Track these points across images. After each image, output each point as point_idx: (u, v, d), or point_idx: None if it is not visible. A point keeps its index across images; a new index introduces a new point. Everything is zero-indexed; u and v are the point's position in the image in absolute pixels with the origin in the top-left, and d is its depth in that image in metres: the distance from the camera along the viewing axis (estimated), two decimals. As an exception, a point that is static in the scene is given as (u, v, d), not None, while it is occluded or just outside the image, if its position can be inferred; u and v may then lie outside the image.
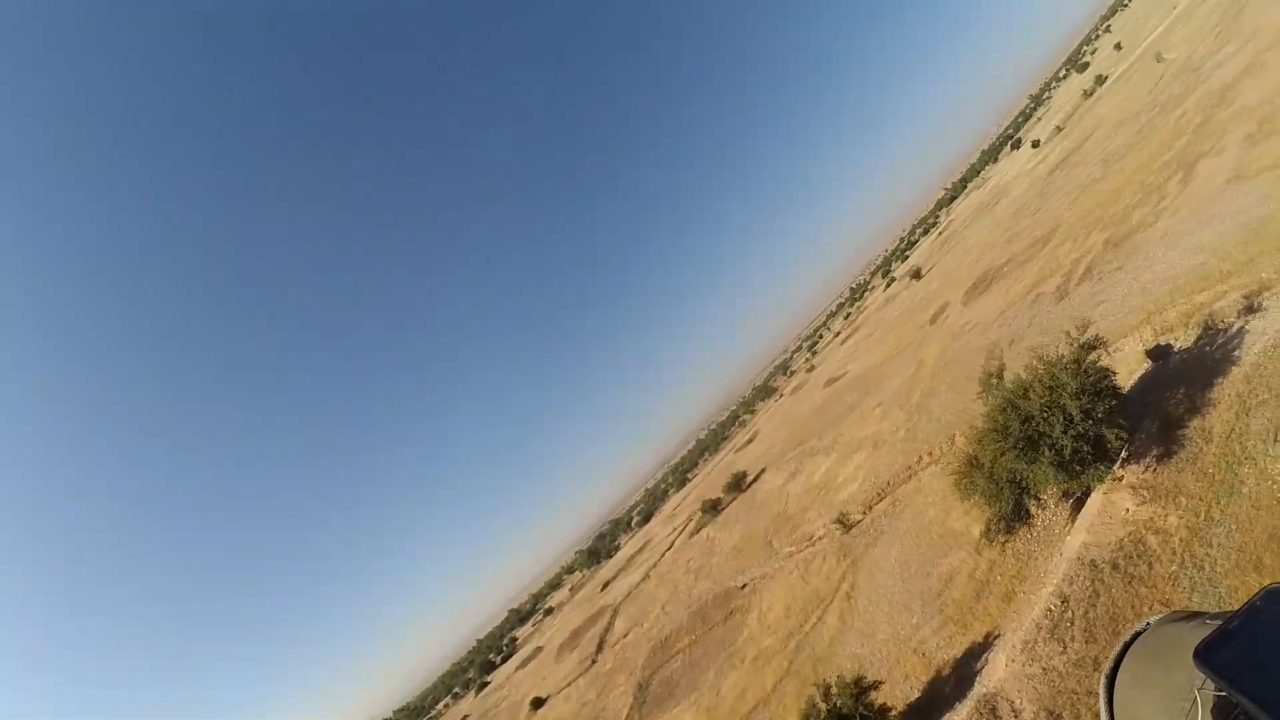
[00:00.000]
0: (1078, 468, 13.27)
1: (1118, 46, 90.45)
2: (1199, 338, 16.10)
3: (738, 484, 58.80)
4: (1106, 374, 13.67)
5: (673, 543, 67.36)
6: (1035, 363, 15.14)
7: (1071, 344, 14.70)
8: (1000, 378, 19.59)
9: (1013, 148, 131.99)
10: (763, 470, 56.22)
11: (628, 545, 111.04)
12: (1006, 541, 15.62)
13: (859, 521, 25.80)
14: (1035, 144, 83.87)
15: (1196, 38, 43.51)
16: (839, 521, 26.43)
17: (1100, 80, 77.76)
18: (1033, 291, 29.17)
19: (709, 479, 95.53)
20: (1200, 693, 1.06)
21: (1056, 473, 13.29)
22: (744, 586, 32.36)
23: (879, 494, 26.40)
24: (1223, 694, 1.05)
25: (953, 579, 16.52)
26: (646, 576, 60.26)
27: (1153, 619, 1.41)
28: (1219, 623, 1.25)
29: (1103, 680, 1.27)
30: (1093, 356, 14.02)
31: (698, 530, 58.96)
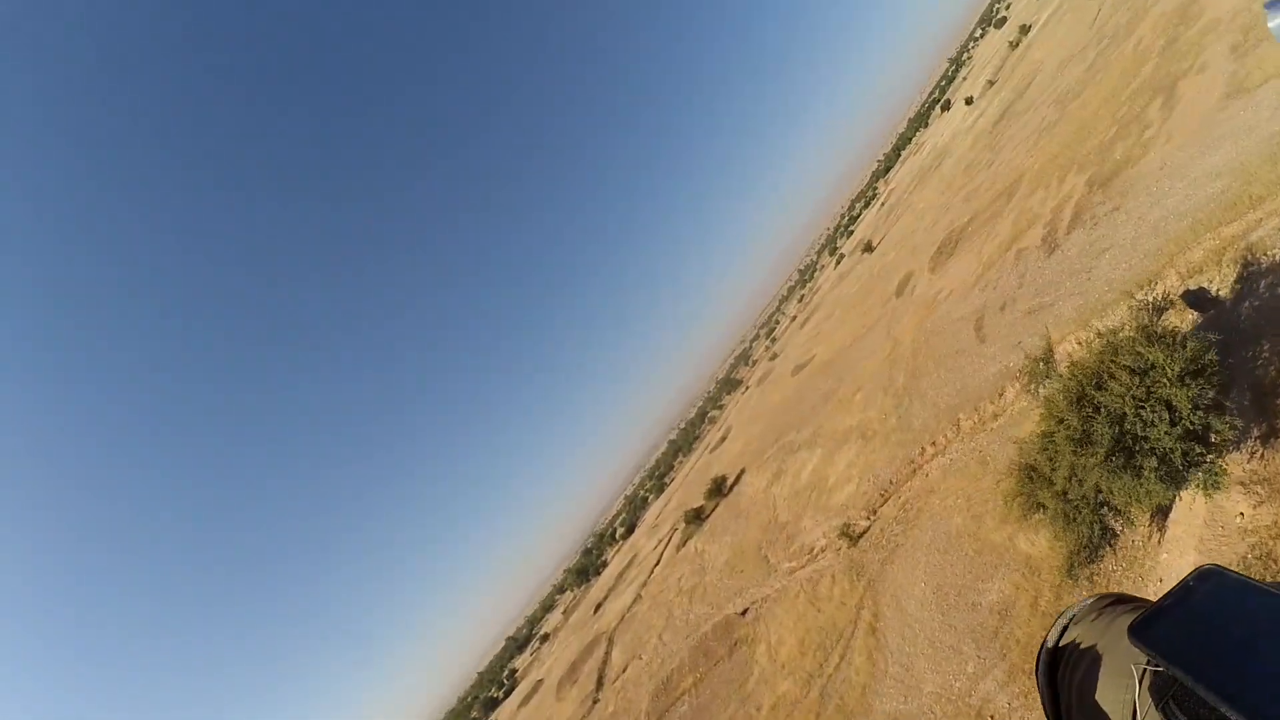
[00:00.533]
0: (1185, 474, 9.71)
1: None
2: (1241, 276, 13.39)
3: (719, 489, 55.93)
4: (1207, 345, 9.82)
5: (660, 557, 64.27)
6: (1096, 338, 11.35)
7: (1136, 308, 11.24)
8: (1049, 361, 15.47)
9: (943, 109, 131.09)
10: (742, 471, 53.37)
11: (614, 560, 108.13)
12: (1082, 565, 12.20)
13: (865, 530, 22.81)
14: (968, 101, 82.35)
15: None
16: (843, 533, 23.34)
17: (1025, 29, 76.53)
18: (1012, 248, 26.49)
19: (687, 483, 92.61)
20: (1136, 668, 1.16)
21: (1164, 486, 9.64)
22: (745, 612, 29.29)
23: (882, 495, 23.51)
24: (1159, 668, 1.14)
25: (1009, 612, 13.37)
26: (638, 597, 57.05)
27: (1087, 599, 1.27)
28: (1152, 603, 1.16)
29: (1042, 658, 1.25)
30: (1169, 322, 10.61)
31: (684, 543, 56.02)
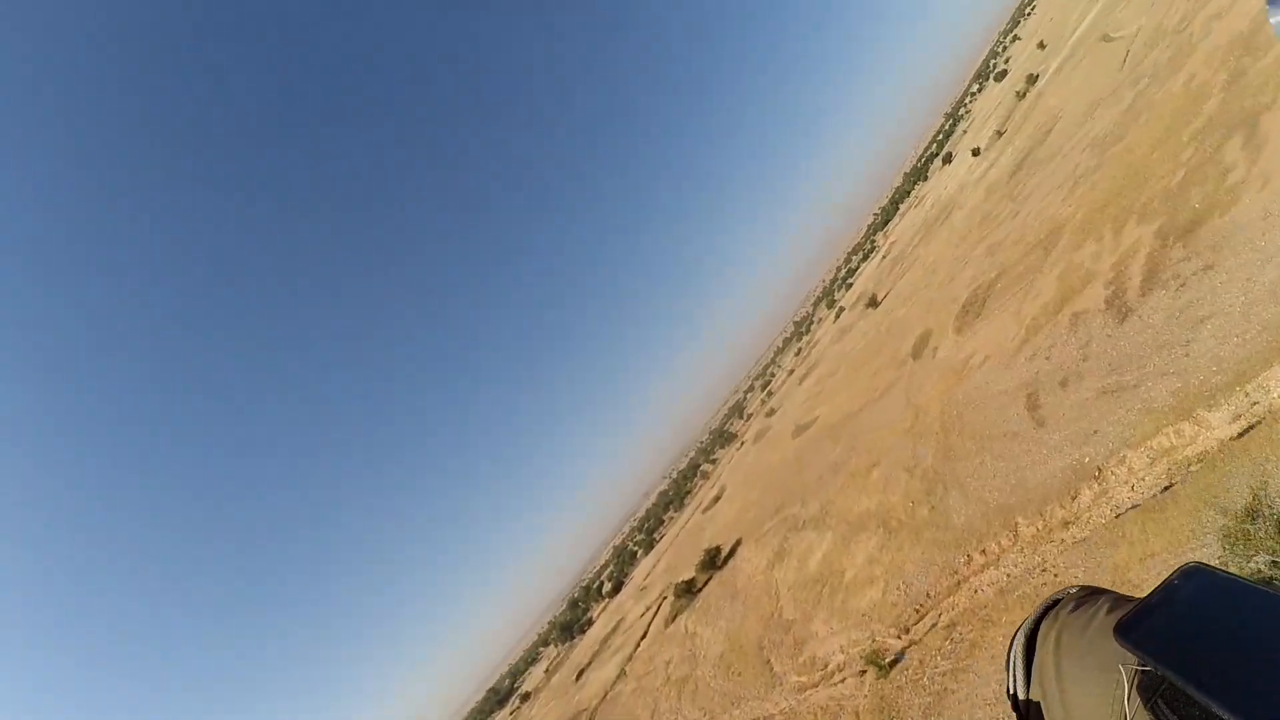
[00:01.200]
0: None
1: (1040, 45, 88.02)
2: None
3: (712, 561, 51.54)
4: None
5: (647, 628, 59.82)
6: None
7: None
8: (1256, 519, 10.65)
9: (943, 162, 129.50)
10: (738, 543, 49.09)
11: (600, 620, 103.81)
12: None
13: (897, 658, 18.57)
14: (975, 151, 79.93)
15: (1152, 8, 38.87)
16: (871, 659, 19.05)
17: (1032, 79, 74.34)
18: (1063, 310, 22.69)
19: (678, 545, 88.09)
20: (1124, 668, 1.18)
21: None
22: (748, 739, 24.90)
23: (917, 610, 19.30)
24: (1146, 668, 1.16)
25: None
26: (623, 674, 52.43)
27: (1070, 589, 1.27)
28: (1136, 599, 1.22)
29: (1020, 642, 1.26)
30: None
31: (673, 617, 51.58)
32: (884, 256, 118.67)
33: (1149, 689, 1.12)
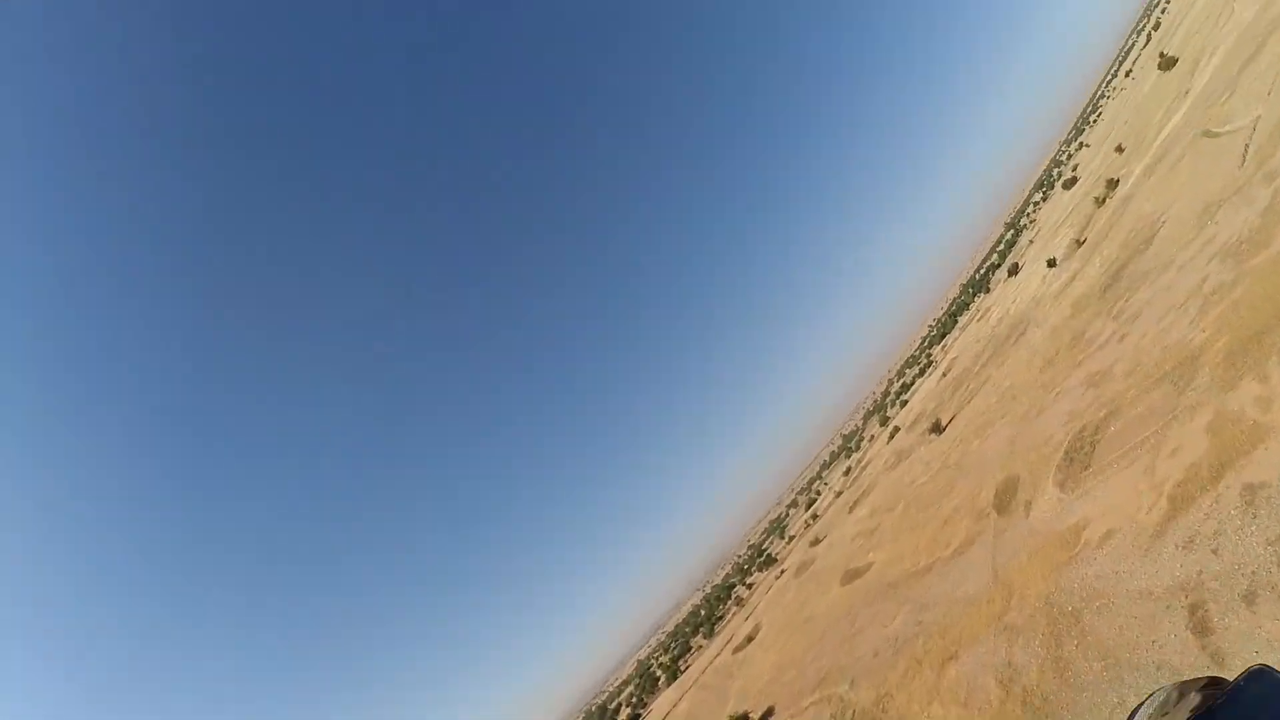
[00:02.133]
0: None
1: (1119, 149, 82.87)
2: None
3: (740, 732, 44.15)
4: None
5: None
6: None
7: None
8: None
9: (1009, 273, 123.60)
10: (770, 712, 41.64)
11: None
12: None
13: None
14: (1051, 263, 73.95)
15: (1269, 97, 33.44)
16: None
17: (1113, 183, 68.90)
18: (1225, 476, 16.34)
19: (703, 687, 79.42)
20: None
21: None
22: None
23: None
24: None
25: None
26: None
27: (1166, 685, 1.46)
28: (1210, 697, 1.35)
29: None
30: None
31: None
32: (944, 374, 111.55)
33: None
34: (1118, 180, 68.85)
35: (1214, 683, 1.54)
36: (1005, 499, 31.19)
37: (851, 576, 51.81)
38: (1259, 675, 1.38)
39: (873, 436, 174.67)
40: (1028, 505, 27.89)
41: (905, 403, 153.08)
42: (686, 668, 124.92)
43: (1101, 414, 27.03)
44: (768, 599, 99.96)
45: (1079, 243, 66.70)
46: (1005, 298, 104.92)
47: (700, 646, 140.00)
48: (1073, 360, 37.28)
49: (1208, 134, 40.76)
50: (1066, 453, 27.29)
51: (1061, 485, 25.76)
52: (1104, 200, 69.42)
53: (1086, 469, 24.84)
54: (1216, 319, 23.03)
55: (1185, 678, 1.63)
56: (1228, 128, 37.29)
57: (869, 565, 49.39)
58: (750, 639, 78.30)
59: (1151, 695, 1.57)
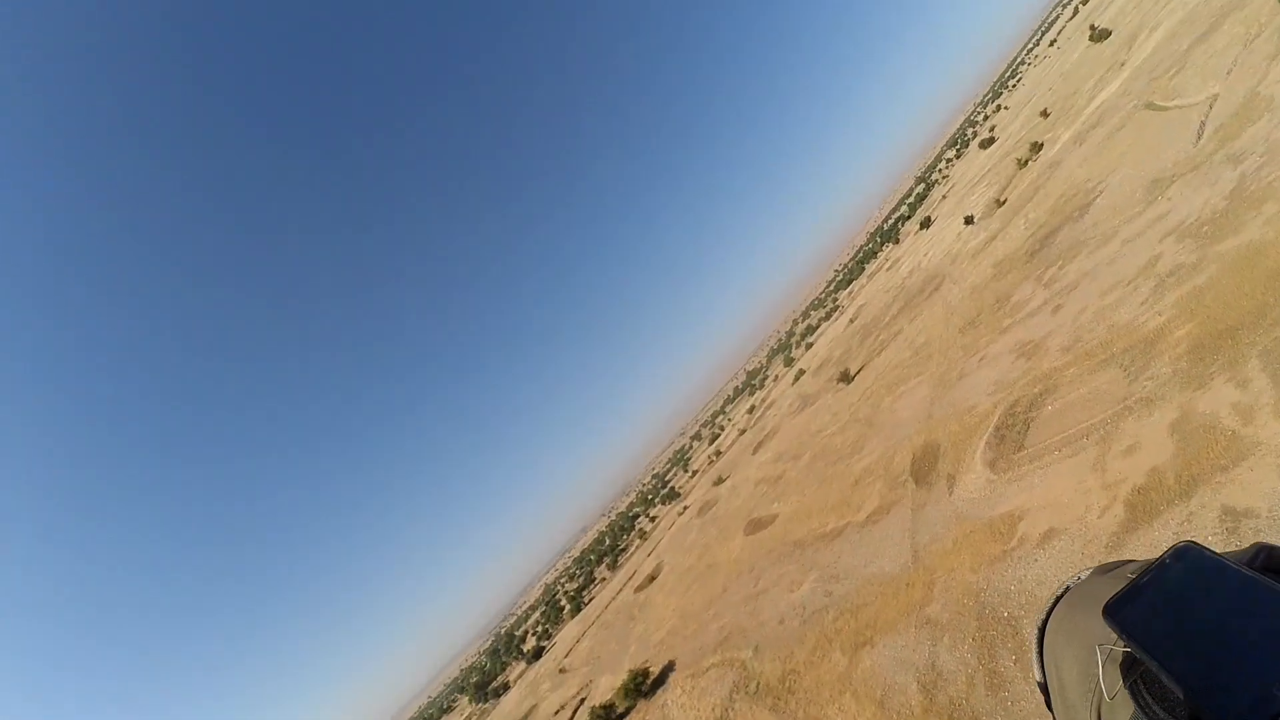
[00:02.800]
0: None
1: (1044, 114, 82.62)
2: None
3: (638, 687, 42.83)
4: None
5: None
6: None
7: None
8: None
9: (921, 226, 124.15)
10: (670, 669, 40.48)
11: (516, 690, 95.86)
12: None
13: None
14: (968, 220, 73.43)
15: (1228, 76, 32.10)
16: None
17: (1036, 147, 68.37)
18: (1199, 492, 14.58)
19: (605, 625, 78.86)
20: (1100, 647, 1.26)
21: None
22: None
23: None
24: (1129, 649, 1.23)
25: None
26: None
27: (1085, 571, 1.42)
28: (1133, 577, 1.33)
29: (1034, 632, 1.39)
30: None
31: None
32: (851, 320, 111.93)
33: (1130, 669, 1.15)
34: (1042, 144, 68.29)
35: (1126, 563, 1.44)
36: (924, 468, 29.77)
37: (755, 527, 50.71)
38: (1184, 553, 1.29)
39: (777, 376, 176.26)
40: (950, 480, 26.37)
41: (810, 345, 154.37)
42: (590, 599, 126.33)
43: (1036, 390, 25.53)
44: (670, 536, 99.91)
45: (999, 202, 66.05)
46: (917, 250, 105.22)
47: (604, 579, 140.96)
48: (997, 325, 36.03)
49: (1151, 106, 39.61)
50: (997, 428, 25.76)
51: (992, 465, 24.18)
52: (1026, 162, 68.85)
53: (1020, 450, 23.29)
54: (1176, 303, 21.46)
55: (1100, 561, 1.52)
56: (1176, 102, 36.01)
57: (774, 517, 48.27)
58: (652, 578, 77.70)
59: (1069, 582, 1.46)
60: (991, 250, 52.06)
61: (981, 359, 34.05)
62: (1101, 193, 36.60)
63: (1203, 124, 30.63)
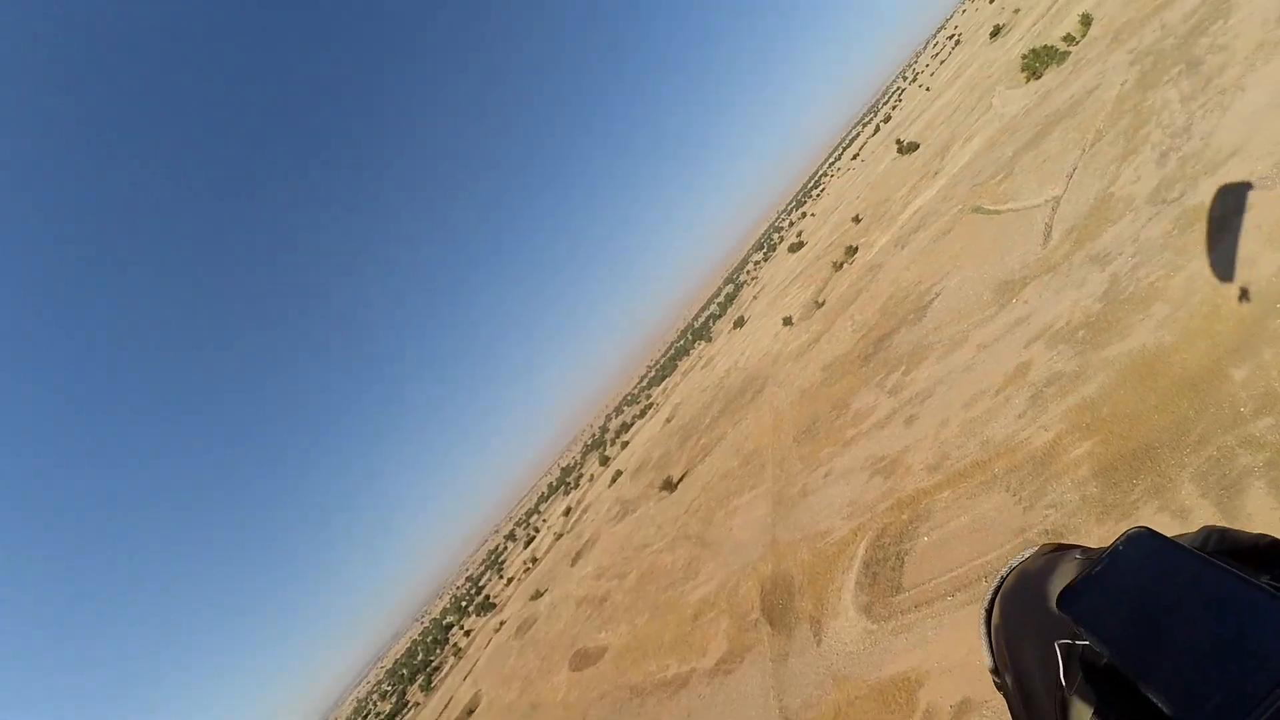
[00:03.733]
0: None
1: (856, 219, 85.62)
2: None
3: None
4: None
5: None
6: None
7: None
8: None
9: (735, 325, 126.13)
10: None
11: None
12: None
13: None
14: (787, 320, 73.50)
15: (1074, 181, 32.17)
16: None
17: (851, 250, 69.84)
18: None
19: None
20: (1059, 644, 1.11)
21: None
22: None
23: None
24: (1084, 640, 1.09)
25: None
26: None
27: (1028, 550, 1.45)
28: (1087, 563, 1.25)
29: (981, 612, 1.43)
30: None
31: None
32: (668, 420, 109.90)
33: (1090, 663, 1.08)
34: (856, 248, 69.82)
35: (1073, 549, 1.41)
36: (778, 605, 25.53)
37: (582, 660, 44.25)
38: (1138, 539, 1.16)
39: (593, 476, 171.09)
40: (815, 624, 22.22)
41: (626, 444, 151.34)
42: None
43: (904, 516, 22.25)
44: (487, 657, 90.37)
45: (818, 303, 66.25)
46: (732, 349, 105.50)
47: (418, 704, 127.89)
48: (839, 435, 33.27)
49: (980, 210, 39.65)
50: (865, 562, 22.10)
51: (867, 609, 20.23)
52: (842, 265, 70.08)
53: (899, 591, 19.61)
54: (1064, 417, 18.86)
55: (1043, 542, 1.58)
56: (1010, 205, 35.82)
57: (602, 650, 42.19)
58: (470, 712, 68.72)
59: (1012, 563, 1.48)
60: (817, 352, 50.55)
61: (827, 474, 30.90)
62: (939, 295, 35.38)
63: (1049, 225, 29.80)
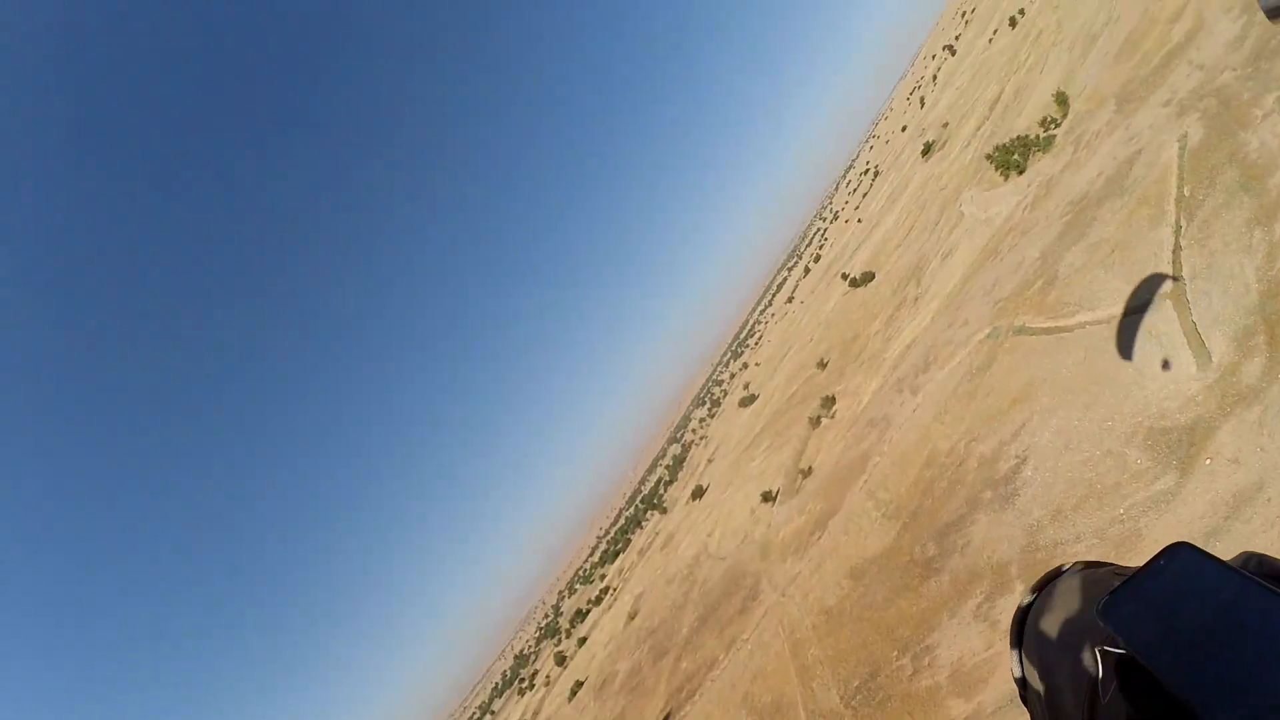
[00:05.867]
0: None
1: (821, 364, 76.61)
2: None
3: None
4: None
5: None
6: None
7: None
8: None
9: (694, 496, 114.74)
10: None
11: None
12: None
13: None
14: (768, 496, 62.31)
15: (1137, 264, 22.19)
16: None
17: (829, 400, 59.88)
18: None
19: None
20: (1098, 650, 1.19)
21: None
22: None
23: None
24: (1122, 650, 1.12)
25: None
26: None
27: (1066, 565, 1.52)
28: (1125, 576, 1.25)
29: (1013, 621, 1.49)
30: None
31: None
32: (631, 617, 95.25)
33: (1126, 672, 1.09)
34: (834, 397, 59.73)
35: (1108, 565, 1.48)
36: None
37: None
38: (1179, 554, 1.20)
39: (549, 679, 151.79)
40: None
41: (584, 640, 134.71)
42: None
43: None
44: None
45: (801, 471, 54.92)
46: (696, 526, 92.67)
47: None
48: (935, 713, 21.03)
49: (1025, 331, 29.50)
50: None
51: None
52: (820, 420, 59.71)
53: None
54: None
55: (1086, 559, 1.55)
56: (1078, 319, 25.45)
57: None
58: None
59: (1053, 575, 1.51)
60: (830, 545, 38.17)
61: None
62: (1025, 459, 23.97)
63: (1192, 333, 19.14)
